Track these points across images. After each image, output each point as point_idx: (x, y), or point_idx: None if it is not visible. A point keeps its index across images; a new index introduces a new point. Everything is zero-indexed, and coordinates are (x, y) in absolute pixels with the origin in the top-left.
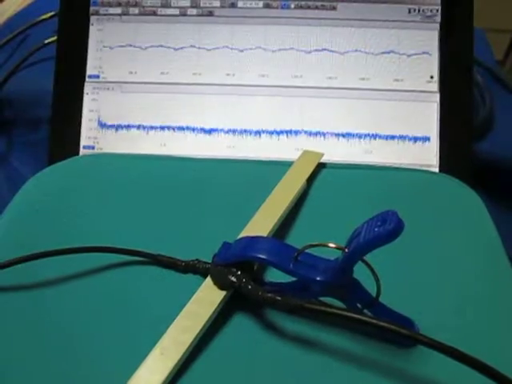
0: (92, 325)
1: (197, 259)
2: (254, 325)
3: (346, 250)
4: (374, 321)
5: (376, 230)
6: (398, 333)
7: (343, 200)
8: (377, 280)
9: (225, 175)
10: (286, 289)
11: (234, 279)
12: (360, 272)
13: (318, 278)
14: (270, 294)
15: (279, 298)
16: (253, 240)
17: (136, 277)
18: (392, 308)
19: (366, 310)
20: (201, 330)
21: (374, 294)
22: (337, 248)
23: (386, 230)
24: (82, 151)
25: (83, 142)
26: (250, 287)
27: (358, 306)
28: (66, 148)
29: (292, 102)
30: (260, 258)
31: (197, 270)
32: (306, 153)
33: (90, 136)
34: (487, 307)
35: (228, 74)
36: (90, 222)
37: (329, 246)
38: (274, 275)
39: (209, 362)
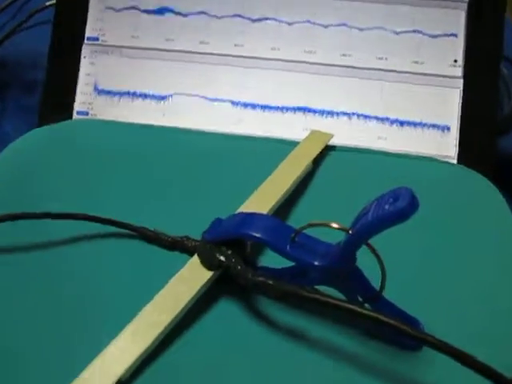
0: (62, 295)
1: (185, 236)
2: (240, 312)
3: (350, 232)
4: (377, 315)
5: (386, 207)
6: (404, 332)
7: (351, 185)
8: (382, 270)
9: (225, 150)
10: (279, 275)
11: (222, 258)
12: (364, 263)
13: (316, 263)
14: (261, 278)
15: (271, 282)
16: (247, 216)
17: (117, 249)
18: (396, 304)
19: (366, 305)
20: (180, 311)
21: (377, 287)
22: (340, 229)
23: (397, 208)
24: (75, 117)
25: (77, 107)
26: (239, 268)
27: (359, 299)
28: (58, 112)
29: (303, 78)
30: (253, 235)
31: (185, 247)
32: (313, 133)
33: (84, 101)
34: (504, 308)
35: (237, 45)
36: (74, 188)
37: (331, 226)
38: (269, 262)
39: (186, 347)
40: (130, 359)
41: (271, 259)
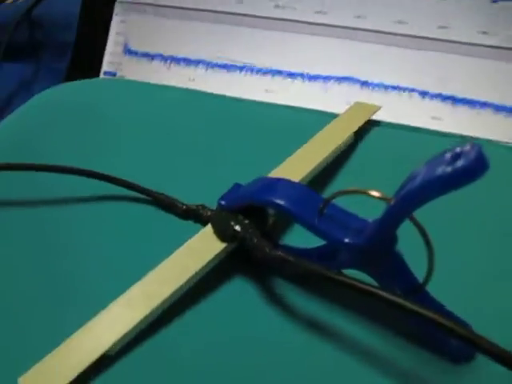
0: (65, 253)
1: (201, 204)
2: (254, 294)
3: (392, 202)
4: (419, 309)
5: (441, 168)
6: (459, 335)
7: (395, 165)
8: (430, 256)
9: (255, 118)
10: (302, 255)
11: (237, 228)
12: (406, 247)
13: (347, 240)
14: (280, 253)
15: (291, 259)
16: (270, 182)
17: (127, 213)
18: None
19: None
20: (183, 284)
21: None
22: (380, 198)
23: (457, 167)
24: (102, 77)
25: (105, 67)
26: (256, 241)
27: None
28: (86, 70)
29: (349, 45)
30: (275, 203)
31: (199, 216)
32: (358, 104)
33: (113, 61)
34: None
35: (277, 6)
36: (88, 146)
37: (369, 194)
38: (292, 243)
39: (186, 326)
40: (119, 332)
41: (295, 240)
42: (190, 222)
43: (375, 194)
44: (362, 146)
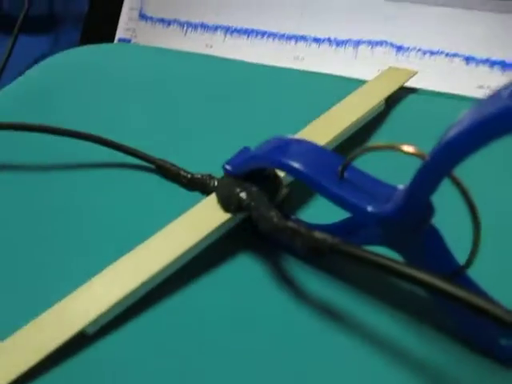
0: (61, 217)
1: (208, 174)
2: (260, 271)
3: (428, 158)
4: (458, 291)
5: (498, 103)
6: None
7: (431, 134)
8: (476, 228)
9: (277, 85)
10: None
11: (243, 195)
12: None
13: (370, 209)
14: (290, 223)
15: (303, 230)
16: (283, 143)
17: (129, 181)
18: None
19: None
20: (178, 258)
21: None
22: (413, 154)
23: None
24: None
25: (120, 33)
26: (263, 210)
27: None
28: (100, 37)
29: (382, 5)
30: (287, 164)
31: (206, 187)
32: (391, 69)
33: (128, 28)
34: None
35: None
36: (98, 110)
37: (399, 149)
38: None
39: (179, 306)
40: (100, 308)
41: (310, 217)
42: (197, 193)
43: (408, 149)
44: (394, 114)
